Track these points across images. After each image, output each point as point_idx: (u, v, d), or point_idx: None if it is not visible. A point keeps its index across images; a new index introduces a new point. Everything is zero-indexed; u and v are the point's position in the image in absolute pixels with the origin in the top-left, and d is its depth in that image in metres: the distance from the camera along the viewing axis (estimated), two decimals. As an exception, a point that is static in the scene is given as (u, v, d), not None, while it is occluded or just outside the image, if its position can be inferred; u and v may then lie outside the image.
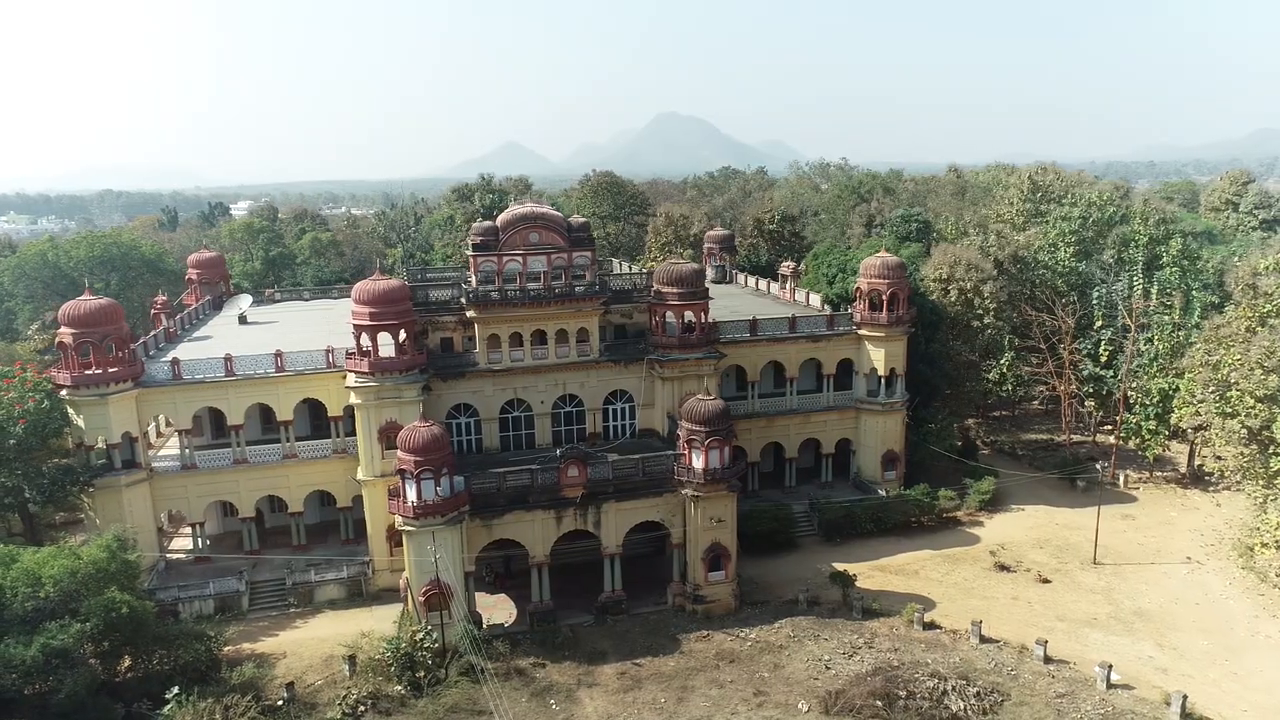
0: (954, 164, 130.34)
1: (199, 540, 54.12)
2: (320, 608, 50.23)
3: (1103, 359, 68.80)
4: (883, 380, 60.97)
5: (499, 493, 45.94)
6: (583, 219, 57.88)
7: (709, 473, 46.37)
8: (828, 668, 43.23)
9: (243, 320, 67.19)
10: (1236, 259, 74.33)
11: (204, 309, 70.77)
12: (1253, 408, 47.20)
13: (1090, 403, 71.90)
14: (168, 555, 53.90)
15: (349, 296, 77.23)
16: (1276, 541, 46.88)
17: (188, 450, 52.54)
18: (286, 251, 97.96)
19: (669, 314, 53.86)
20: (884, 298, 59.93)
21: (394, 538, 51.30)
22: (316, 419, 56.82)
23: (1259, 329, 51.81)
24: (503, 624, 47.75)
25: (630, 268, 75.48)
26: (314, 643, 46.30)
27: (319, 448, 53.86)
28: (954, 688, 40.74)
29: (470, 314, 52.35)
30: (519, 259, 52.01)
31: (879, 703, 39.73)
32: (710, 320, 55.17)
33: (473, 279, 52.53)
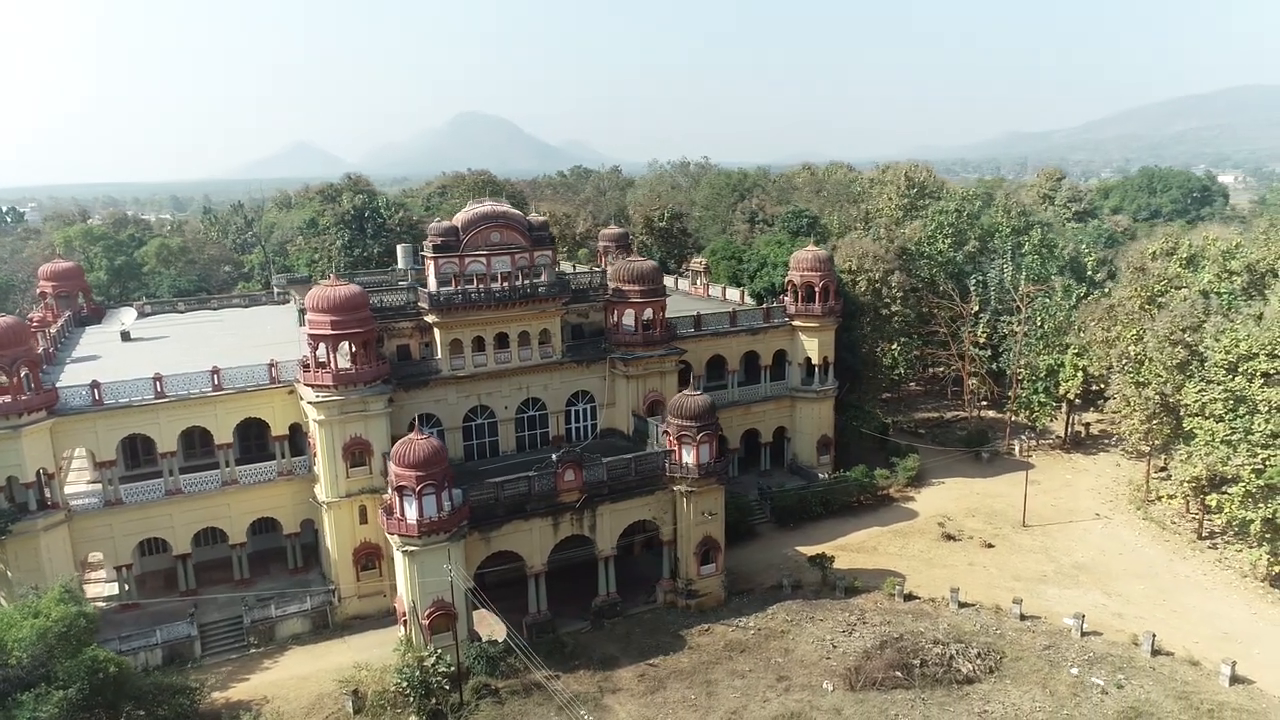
0: (807, 163, 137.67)
1: (124, 585, 48.03)
2: (285, 644, 46.00)
3: (981, 339, 75.13)
4: (816, 369, 63.56)
5: (497, 503, 44.00)
6: (541, 217, 56.25)
7: (701, 467, 46.64)
8: (835, 646, 44.76)
9: (126, 337, 59.99)
10: (1084, 246, 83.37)
11: (68, 326, 62.54)
12: (1160, 376, 53.28)
13: (974, 380, 78.27)
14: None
15: (233, 306, 72.27)
16: (1184, 493, 53.19)
17: (110, 484, 46.44)
18: (132, 260, 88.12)
19: (629, 312, 53.55)
20: (816, 290, 62.43)
21: (360, 562, 48.08)
22: (248, 440, 52.08)
23: (1148, 306, 58.65)
24: (497, 639, 45.71)
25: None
26: (295, 682, 42.46)
27: (263, 471, 49.19)
28: (958, 651, 43.42)
29: (430, 318, 49.65)
30: (482, 260, 49.88)
31: (899, 674, 41.68)
32: (666, 317, 55.38)
33: (432, 282, 49.83)
